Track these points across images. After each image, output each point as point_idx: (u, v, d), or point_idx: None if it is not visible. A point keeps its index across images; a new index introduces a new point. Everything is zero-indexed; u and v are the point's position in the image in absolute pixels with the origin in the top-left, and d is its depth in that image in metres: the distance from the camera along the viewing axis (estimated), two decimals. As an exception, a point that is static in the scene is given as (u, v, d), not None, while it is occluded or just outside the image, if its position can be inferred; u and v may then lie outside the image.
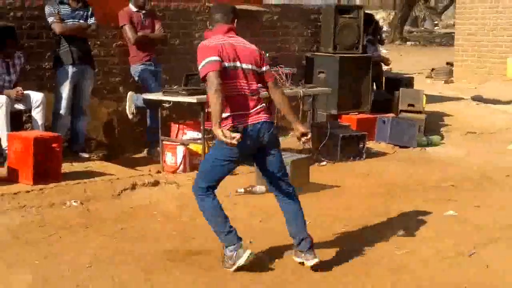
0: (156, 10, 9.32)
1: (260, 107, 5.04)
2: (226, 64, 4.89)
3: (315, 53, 10.80)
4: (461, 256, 5.44)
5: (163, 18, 9.35)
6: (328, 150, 8.74)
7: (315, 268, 5.05)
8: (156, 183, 7.40)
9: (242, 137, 4.75)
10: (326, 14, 10.67)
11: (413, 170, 8.42)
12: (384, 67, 12.42)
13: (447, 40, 27.74)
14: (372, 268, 5.21)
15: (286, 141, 9.62)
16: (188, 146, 8.21)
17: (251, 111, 4.98)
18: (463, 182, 7.83)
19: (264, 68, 5.10)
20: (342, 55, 10.35)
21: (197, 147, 8.15)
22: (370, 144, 9.43)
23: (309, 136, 5.15)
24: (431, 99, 12.30)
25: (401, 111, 10.60)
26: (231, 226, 5.08)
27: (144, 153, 9.01)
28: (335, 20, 10.41)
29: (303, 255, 5.10)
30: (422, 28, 36.91)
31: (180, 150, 8.14)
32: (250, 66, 5.01)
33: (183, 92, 8.01)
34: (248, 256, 4.99)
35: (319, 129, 8.92)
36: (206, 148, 7.96)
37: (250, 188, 7.20)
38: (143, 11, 8.91)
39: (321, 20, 10.93)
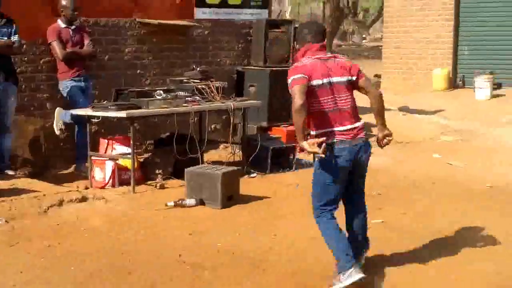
0: (86, 25, 9.21)
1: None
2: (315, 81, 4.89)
3: (246, 67, 10.85)
4: (387, 261, 5.52)
5: (92, 33, 9.25)
6: (259, 162, 8.77)
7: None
8: (84, 199, 7.31)
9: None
10: (257, 28, 10.76)
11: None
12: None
13: (375, 53, 28.26)
14: (304, 277, 5.24)
15: (216, 154, 9.65)
16: (117, 161, 8.12)
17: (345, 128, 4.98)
18: (391, 190, 7.96)
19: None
20: (272, 68, 10.44)
21: (126, 162, 8.07)
22: (300, 155, 9.49)
23: (391, 137, 5.23)
24: (360, 110, 12.37)
25: (330, 122, 10.69)
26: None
27: (72, 169, 8.87)
28: (265, 34, 10.50)
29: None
30: (351, 42, 37.50)
31: (109, 165, 8.06)
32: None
33: (113, 107, 7.93)
34: (358, 279, 4.86)
35: (249, 142, 8.95)
36: (136, 163, 7.92)
37: (180, 201, 7.17)
38: (72, 27, 8.80)
39: (252, 34, 11.00)
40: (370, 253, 5.46)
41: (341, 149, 4.93)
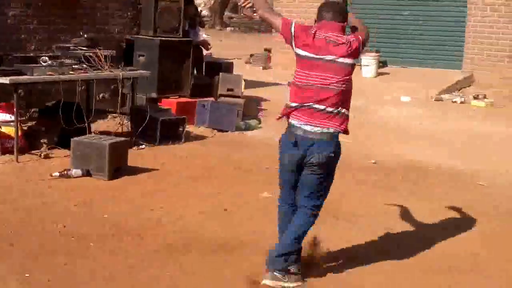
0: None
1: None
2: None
3: (135, 36, 10.66)
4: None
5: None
6: (148, 133, 8.67)
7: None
8: (-36, 167, 7.02)
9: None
10: (147, -4, 10.56)
11: (231, 153, 8.56)
12: (205, 52, 12.50)
13: (266, 27, 28.38)
14: (189, 249, 5.25)
15: (104, 124, 9.47)
16: (-1, 129, 7.84)
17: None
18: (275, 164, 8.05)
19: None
20: (162, 38, 10.29)
21: (9, 130, 7.79)
22: (190, 128, 9.47)
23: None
24: (250, 84, 12.56)
25: (221, 95, 10.72)
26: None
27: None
28: (155, 3, 10.32)
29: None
30: (242, 14, 37.52)
31: (-9, 132, 7.76)
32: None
33: (-5, 73, 7.61)
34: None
35: (138, 113, 8.82)
36: (20, 132, 7.66)
37: (65, 172, 7.00)
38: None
39: (141, 2, 10.79)
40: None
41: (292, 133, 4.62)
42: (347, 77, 4.56)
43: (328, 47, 4.52)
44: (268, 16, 4.83)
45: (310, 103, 4.53)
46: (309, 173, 4.60)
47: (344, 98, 4.57)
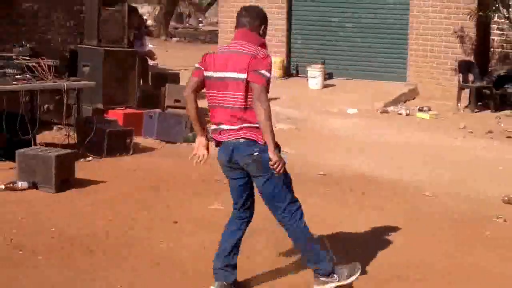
0: None
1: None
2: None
3: (79, 46, 10.51)
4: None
5: None
6: (94, 145, 8.54)
7: None
8: None
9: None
10: (90, 5, 10.41)
11: (180, 165, 8.48)
12: (150, 62, 12.41)
13: (212, 37, 28.38)
14: (136, 261, 5.19)
15: (50, 135, 9.31)
16: None
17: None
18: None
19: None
20: (106, 48, 10.16)
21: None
22: (138, 139, 9.36)
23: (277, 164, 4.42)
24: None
25: (168, 106, 10.65)
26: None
27: None
28: (98, 12, 10.18)
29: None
30: (187, 25, 37.46)
31: None
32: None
33: None
34: None
35: (84, 124, 8.70)
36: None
37: (11, 184, 6.85)
38: None
39: (84, 11, 10.64)
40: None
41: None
42: None
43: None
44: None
45: None
46: None
47: None
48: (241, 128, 4.46)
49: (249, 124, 4.44)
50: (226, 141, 4.54)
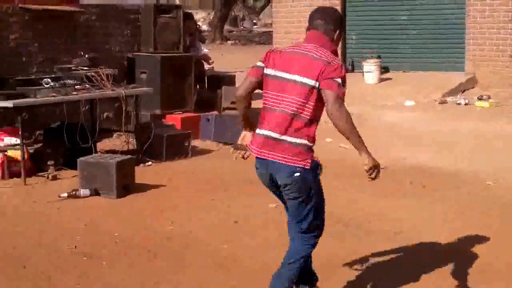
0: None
1: None
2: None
3: (136, 53, 10.69)
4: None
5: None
6: (154, 150, 8.67)
7: None
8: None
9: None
10: (145, 14, 10.62)
11: (237, 165, 8.50)
12: (206, 66, 12.52)
13: (266, 38, 28.45)
14: (200, 263, 5.23)
15: (110, 143, 9.48)
16: (5, 153, 7.83)
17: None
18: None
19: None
20: (163, 54, 10.32)
21: (16, 153, 7.80)
22: (195, 142, 9.46)
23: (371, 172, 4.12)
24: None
25: (224, 108, 10.73)
26: None
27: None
28: (154, 20, 10.37)
29: None
30: (242, 28, 37.63)
31: (-3, 157, 7.77)
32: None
33: (-1, 96, 7.63)
34: None
35: (143, 130, 8.83)
36: (26, 154, 7.67)
37: (74, 192, 6.99)
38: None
39: (140, 20, 10.83)
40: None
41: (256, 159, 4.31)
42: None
43: None
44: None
45: None
46: None
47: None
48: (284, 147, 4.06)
49: (299, 140, 4.05)
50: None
